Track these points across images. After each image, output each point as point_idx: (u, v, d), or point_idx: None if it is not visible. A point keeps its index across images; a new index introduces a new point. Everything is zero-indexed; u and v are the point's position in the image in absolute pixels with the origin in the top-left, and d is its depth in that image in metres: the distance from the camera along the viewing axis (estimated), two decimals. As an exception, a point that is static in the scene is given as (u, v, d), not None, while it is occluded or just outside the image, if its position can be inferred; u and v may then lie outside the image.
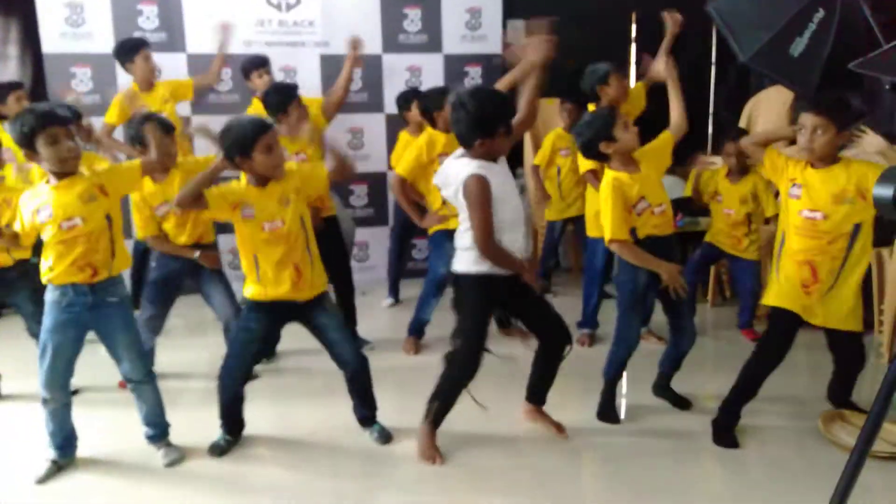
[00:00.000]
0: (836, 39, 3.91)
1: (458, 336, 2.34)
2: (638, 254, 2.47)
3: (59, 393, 2.29)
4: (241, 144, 2.22)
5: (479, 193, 2.16)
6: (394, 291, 4.30)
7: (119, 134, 3.34)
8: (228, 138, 2.24)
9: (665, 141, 2.60)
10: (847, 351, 2.51)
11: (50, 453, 2.34)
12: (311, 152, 3.24)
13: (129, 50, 3.66)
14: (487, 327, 2.35)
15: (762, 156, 2.48)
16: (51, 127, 2.11)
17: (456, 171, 2.22)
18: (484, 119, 2.15)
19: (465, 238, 2.29)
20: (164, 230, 2.81)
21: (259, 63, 3.81)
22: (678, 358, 2.74)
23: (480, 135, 2.16)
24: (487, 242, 2.20)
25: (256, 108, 3.77)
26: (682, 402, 2.78)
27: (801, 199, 2.34)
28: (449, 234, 3.01)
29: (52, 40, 4.06)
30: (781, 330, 2.42)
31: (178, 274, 2.87)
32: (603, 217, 2.52)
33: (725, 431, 2.49)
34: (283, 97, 3.13)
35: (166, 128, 2.68)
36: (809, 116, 2.27)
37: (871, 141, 2.55)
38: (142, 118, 2.68)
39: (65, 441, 2.36)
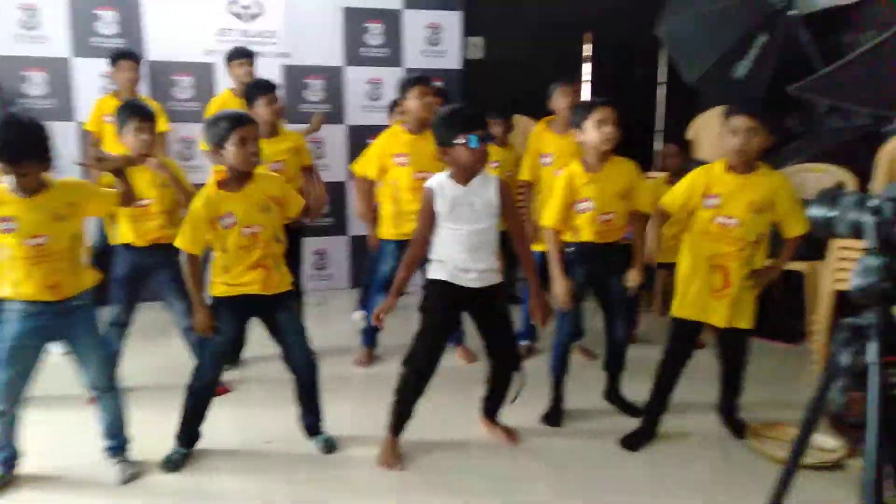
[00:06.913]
0: (779, 63, 4.15)
1: (416, 338, 2.39)
2: (554, 252, 2.59)
3: (15, 406, 2.22)
4: (217, 135, 2.26)
5: (422, 202, 2.31)
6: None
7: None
8: (209, 128, 2.29)
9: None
10: (738, 348, 2.59)
11: None
12: (289, 158, 3.22)
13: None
14: (445, 333, 2.40)
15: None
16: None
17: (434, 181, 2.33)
18: (438, 129, 2.27)
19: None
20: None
21: (245, 53, 3.84)
22: (615, 351, 2.78)
23: (438, 142, 2.28)
24: (415, 251, 2.34)
25: (225, 99, 3.82)
26: (630, 409, 2.78)
27: (717, 208, 2.40)
28: (397, 244, 3.07)
29: (5, 42, 3.97)
30: (682, 338, 2.54)
31: (143, 269, 2.81)
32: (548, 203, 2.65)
33: (636, 435, 2.56)
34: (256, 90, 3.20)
35: (146, 114, 2.69)
36: (744, 119, 2.33)
37: None
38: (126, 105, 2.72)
39: (10, 455, 2.28)
